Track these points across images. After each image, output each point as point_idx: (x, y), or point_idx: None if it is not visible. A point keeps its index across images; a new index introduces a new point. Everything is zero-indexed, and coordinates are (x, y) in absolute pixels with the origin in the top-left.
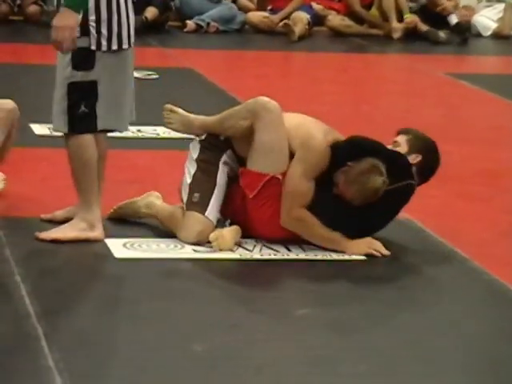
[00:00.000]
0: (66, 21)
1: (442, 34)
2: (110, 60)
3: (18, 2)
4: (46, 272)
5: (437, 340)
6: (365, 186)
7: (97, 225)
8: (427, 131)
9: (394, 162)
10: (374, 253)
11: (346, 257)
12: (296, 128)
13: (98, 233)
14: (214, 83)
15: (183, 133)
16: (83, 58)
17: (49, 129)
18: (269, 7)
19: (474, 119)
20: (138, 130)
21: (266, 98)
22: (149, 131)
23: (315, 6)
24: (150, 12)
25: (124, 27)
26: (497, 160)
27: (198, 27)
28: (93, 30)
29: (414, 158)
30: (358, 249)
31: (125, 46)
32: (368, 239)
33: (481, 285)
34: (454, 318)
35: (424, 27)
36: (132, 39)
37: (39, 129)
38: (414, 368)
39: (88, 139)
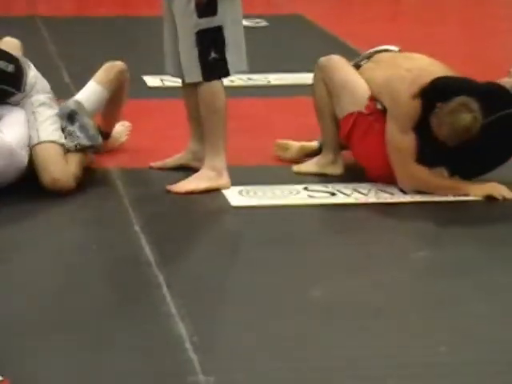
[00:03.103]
0: None
1: None
2: (228, 4)
3: None
4: (163, 221)
5: None
6: (454, 125)
7: (224, 172)
8: None
9: (489, 94)
10: (497, 195)
11: (462, 198)
12: (385, 85)
13: (225, 181)
14: (325, 29)
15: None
16: (206, 5)
17: (161, 80)
18: None
19: None
20: (249, 78)
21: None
22: (260, 79)
23: None
24: None
25: None
26: None
27: None
28: None
29: None
30: (482, 191)
31: None
32: (491, 183)
33: None
34: None
35: None
36: None
37: (151, 80)
38: None
39: (220, 86)
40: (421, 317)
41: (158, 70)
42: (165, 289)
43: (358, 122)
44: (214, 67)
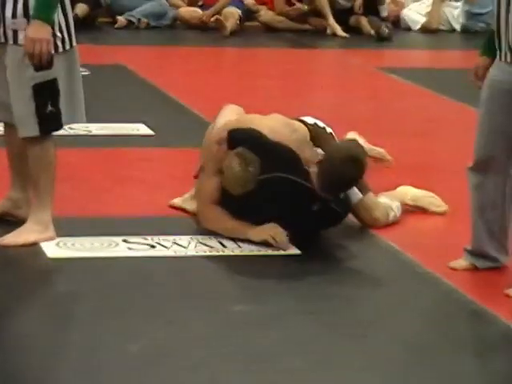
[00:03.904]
0: (42, 34)
1: (384, 29)
2: (65, 58)
3: None
4: None
5: (370, 332)
6: (226, 172)
7: (50, 225)
8: (359, 124)
9: (274, 153)
10: (271, 241)
11: (282, 252)
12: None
13: (52, 233)
14: (146, 79)
15: None
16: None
17: None
18: (199, 3)
19: (406, 112)
20: (70, 128)
21: None
22: (81, 128)
23: (247, 0)
24: (80, 8)
25: (71, 27)
26: (430, 152)
27: (129, 23)
28: None
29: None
30: (258, 235)
31: (74, 43)
32: (269, 226)
33: (413, 276)
34: (384, 310)
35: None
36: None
37: None
38: (350, 361)
39: (51, 141)
40: (236, 371)
41: None
42: None
43: None
44: (51, 120)
